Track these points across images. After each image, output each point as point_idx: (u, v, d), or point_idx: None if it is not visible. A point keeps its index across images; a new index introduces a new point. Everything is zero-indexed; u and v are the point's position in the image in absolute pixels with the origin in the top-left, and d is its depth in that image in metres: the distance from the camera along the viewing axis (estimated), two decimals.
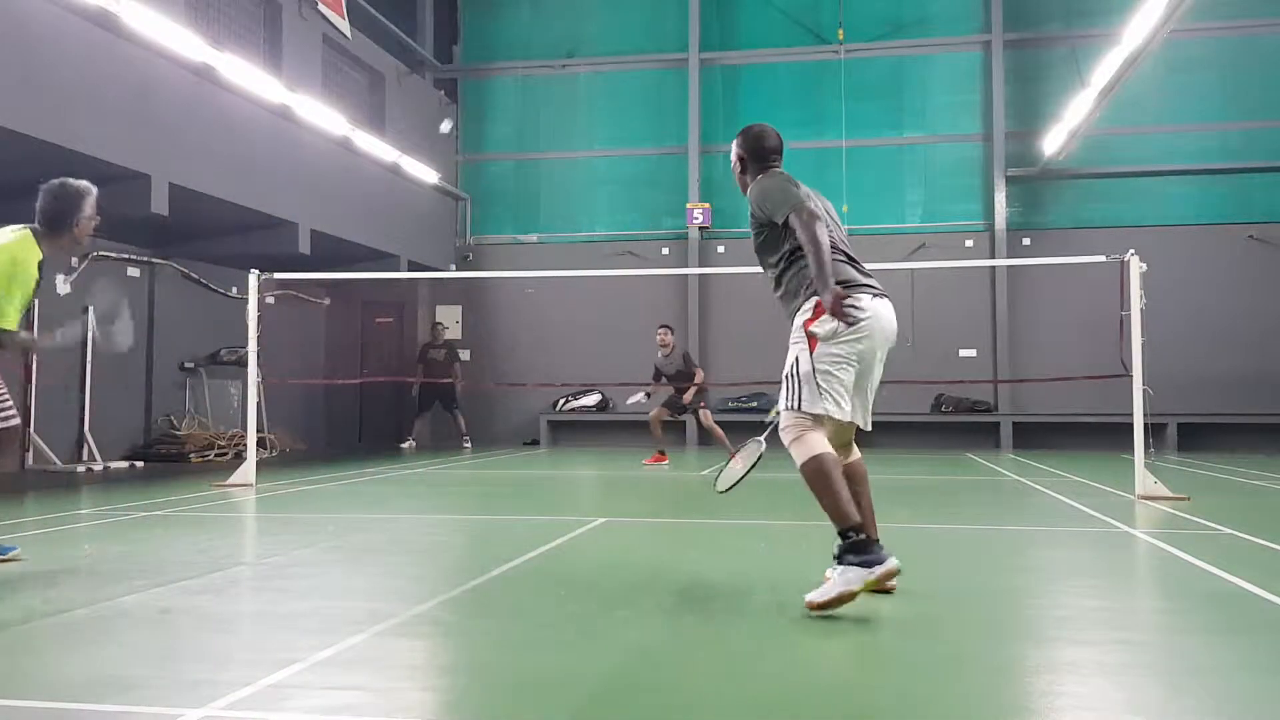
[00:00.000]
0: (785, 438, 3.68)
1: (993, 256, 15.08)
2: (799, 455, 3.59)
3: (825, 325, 3.59)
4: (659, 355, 11.20)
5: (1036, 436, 14.90)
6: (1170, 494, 7.23)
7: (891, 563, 3.47)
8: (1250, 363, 14.56)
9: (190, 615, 3.57)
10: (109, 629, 3.37)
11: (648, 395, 11.42)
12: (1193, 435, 14.19)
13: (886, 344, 3.77)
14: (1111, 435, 13.10)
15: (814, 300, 3.63)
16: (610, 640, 3.26)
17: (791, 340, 3.75)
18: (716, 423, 10.98)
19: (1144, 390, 7.35)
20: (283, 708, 2.51)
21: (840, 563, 3.49)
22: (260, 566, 4.72)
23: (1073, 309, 14.56)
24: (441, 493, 8.59)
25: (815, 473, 3.53)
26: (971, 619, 3.59)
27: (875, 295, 3.73)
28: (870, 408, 3.84)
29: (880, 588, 3.54)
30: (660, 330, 11.20)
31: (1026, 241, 15.24)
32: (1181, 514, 6.45)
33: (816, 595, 3.47)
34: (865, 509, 3.71)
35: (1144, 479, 7.31)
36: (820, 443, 3.59)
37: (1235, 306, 14.68)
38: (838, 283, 3.55)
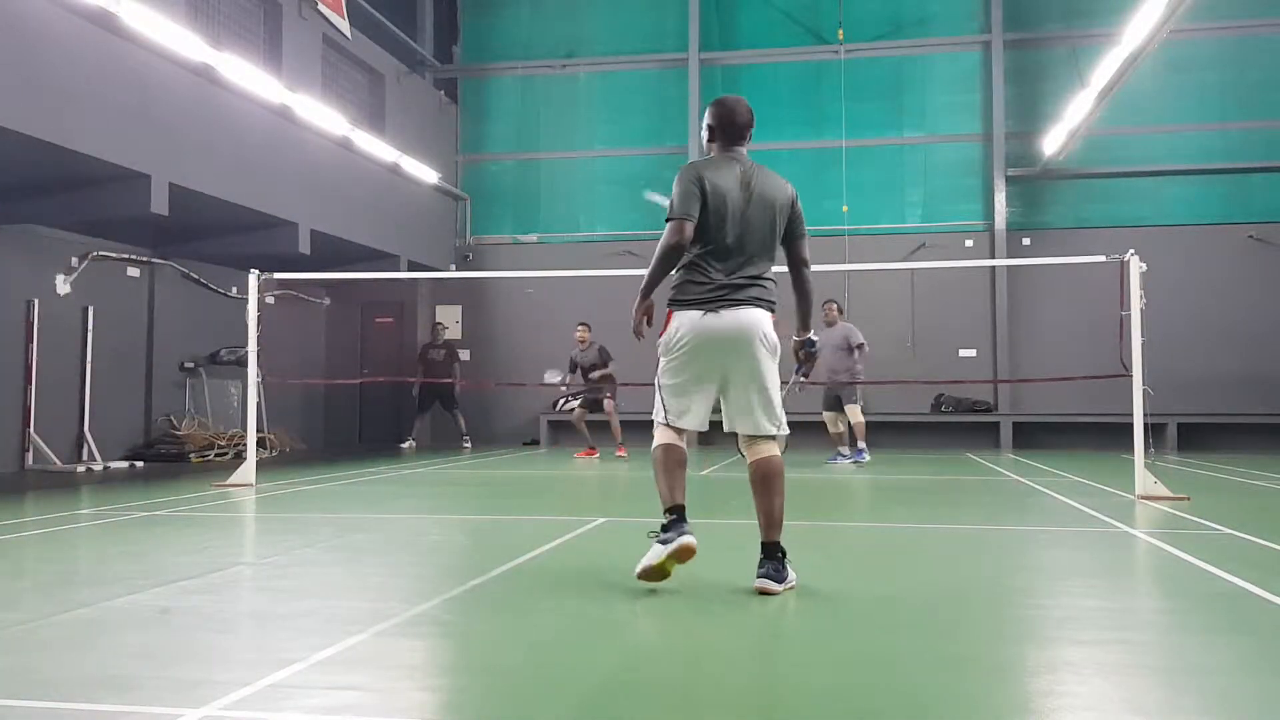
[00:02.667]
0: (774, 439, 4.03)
1: (993, 256, 15.08)
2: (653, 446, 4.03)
3: (661, 341, 4.00)
4: (576, 350, 12.70)
5: (1036, 436, 14.90)
6: (1170, 494, 7.23)
7: (684, 540, 3.75)
8: (1250, 363, 14.56)
9: (190, 615, 3.57)
10: (109, 629, 3.37)
11: (565, 383, 13.17)
12: (1193, 435, 14.18)
13: (726, 353, 3.90)
14: (1111, 435, 13.10)
15: (668, 310, 3.99)
16: (610, 640, 3.26)
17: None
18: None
19: (1144, 390, 7.35)
20: (283, 708, 2.51)
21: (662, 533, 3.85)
22: (260, 566, 4.72)
23: (1073, 309, 14.56)
24: (441, 493, 8.59)
25: (653, 461, 4.00)
26: (971, 619, 3.59)
27: (709, 311, 3.87)
28: (754, 410, 3.96)
29: (681, 560, 3.81)
30: (579, 327, 12.61)
31: (1026, 241, 15.24)
32: (1181, 514, 6.45)
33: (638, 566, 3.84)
34: (760, 509, 3.94)
35: (1144, 479, 7.31)
36: (660, 437, 4.01)
37: (1235, 306, 14.68)
38: (681, 298, 3.91)
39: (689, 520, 3.85)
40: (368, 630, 3.28)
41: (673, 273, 3.99)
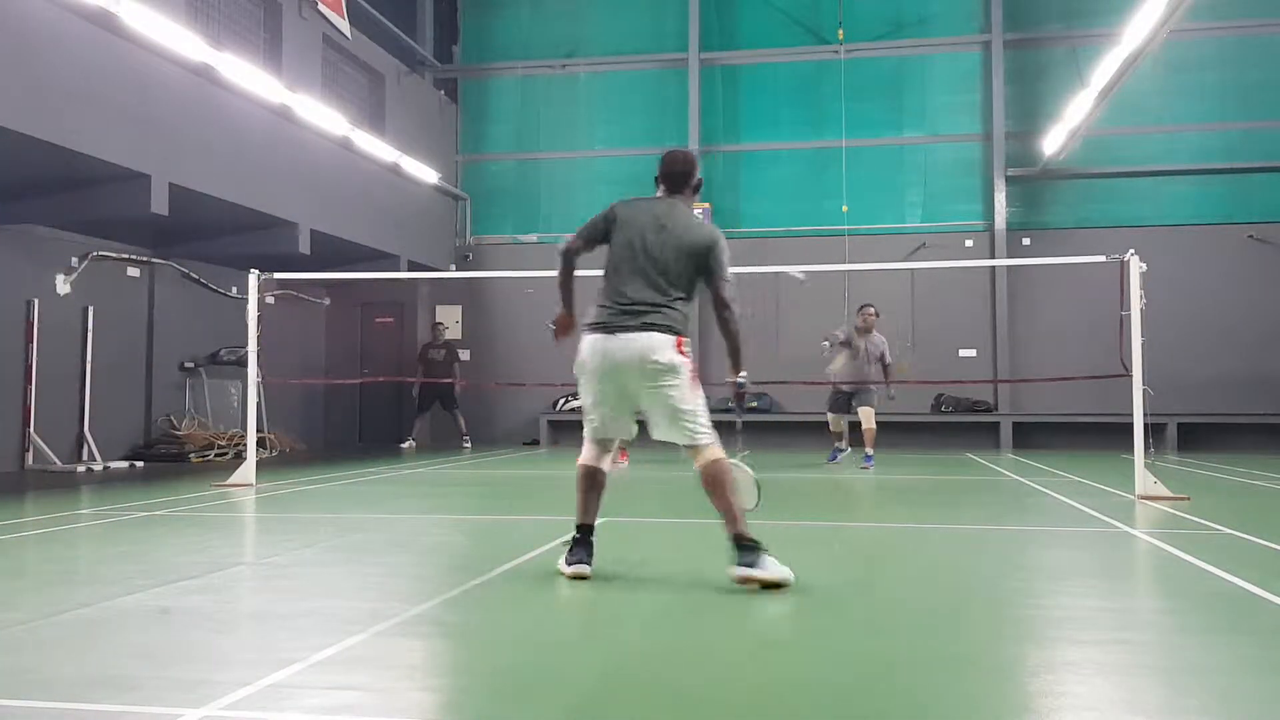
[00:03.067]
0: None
1: (993, 256, 15.07)
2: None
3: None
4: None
5: (1036, 436, 14.90)
6: (1170, 494, 7.22)
7: (578, 569, 4.22)
8: (1250, 363, 14.56)
9: (190, 615, 3.57)
10: (109, 629, 3.37)
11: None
12: (1193, 435, 14.18)
13: (621, 373, 4.19)
14: (1111, 435, 13.09)
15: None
16: (610, 640, 3.26)
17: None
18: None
19: (1144, 390, 7.35)
20: (283, 708, 2.51)
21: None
22: (260, 566, 4.72)
23: (1073, 309, 14.56)
24: (441, 493, 8.59)
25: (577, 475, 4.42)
26: (971, 619, 3.59)
27: (606, 333, 4.19)
28: (667, 426, 4.22)
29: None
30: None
31: (1026, 241, 15.24)
32: (1181, 514, 6.45)
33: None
34: (716, 509, 4.16)
35: (1144, 479, 7.31)
36: (583, 456, 4.42)
37: (1235, 306, 14.68)
38: (587, 322, 4.30)
39: (594, 538, 4.31)
40: (368, 630, 3.28)
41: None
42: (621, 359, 4.14)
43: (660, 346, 4.12)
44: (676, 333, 4.18)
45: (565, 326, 4.57)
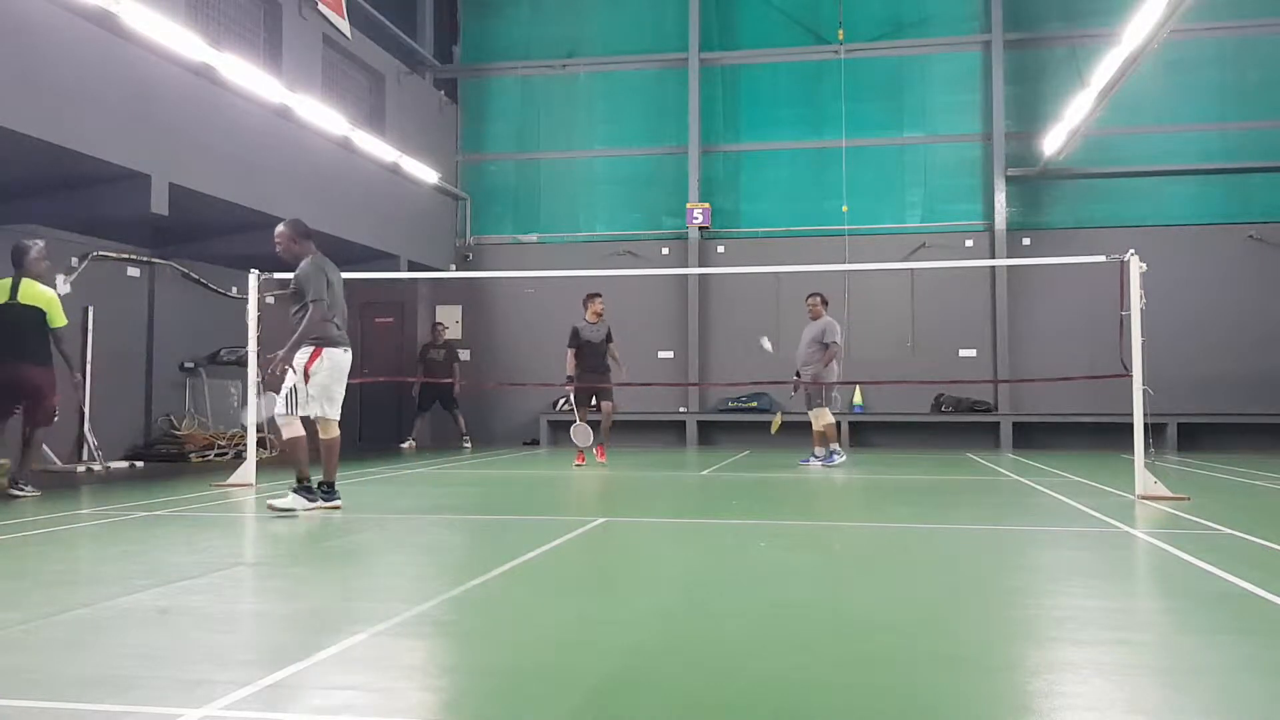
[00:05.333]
0: (284, 426, 6.60)
1: (993, 256, 15.08)
2: (286, 434, 6.63)
3: (318, 369, 6.64)
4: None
5: (1036, 436, 14.91)
6: (1170, 494, 7.22)
7: (329, 502, 6.65)
8: (1250, 363, 14.57)
9: (190, 615, 3.57)
10: (109, 629, 3.37)
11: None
12: (1193, 435, 14.19)
13: (344, 376, 6.86)
14: (1111, 435, 13.10)
15: (313, 349, 6.65)
16: (610, 640, 3.26)
17: (292, 369, 6.58)
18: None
19: (1144, 390, 7.35)
20: (283, 708, 2.51)
21: (294, 492, 6.51)
22: (260, 566, 4.72)
23: (1073, 309, 14.57)
24: (441, 493, 8.59)
25: (291, 444, 6.63)
26: (972, 619, 3.59)
27: (346, 347, 6.95)
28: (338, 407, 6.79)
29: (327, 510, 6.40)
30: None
31: (1026, 241, 15.24)
32: (1181, 514, 6.45)
33: (276, 501, 6.49)
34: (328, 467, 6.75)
35: (1144, 479, 7.31)
36: (297, 428, 6.61)
37: (1235, 306, 14.68)
38: (326, 340, 6.73)
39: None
40: (368, 630, 3.28)
41: (295, 314, 6.77)
42: (343, 368, 6.90)
43: None
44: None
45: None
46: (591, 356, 10.82)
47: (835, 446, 10.97)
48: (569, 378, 10.91)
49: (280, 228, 6.82)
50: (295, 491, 6.49)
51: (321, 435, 6.70)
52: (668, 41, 16.45)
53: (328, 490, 6.67)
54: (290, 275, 6.88)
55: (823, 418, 10.79)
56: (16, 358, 7.64)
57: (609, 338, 10.97)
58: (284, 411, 6.55)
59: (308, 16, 12.28)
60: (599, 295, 11.10)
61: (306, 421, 6.60)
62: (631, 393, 15.54)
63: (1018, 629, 3.48)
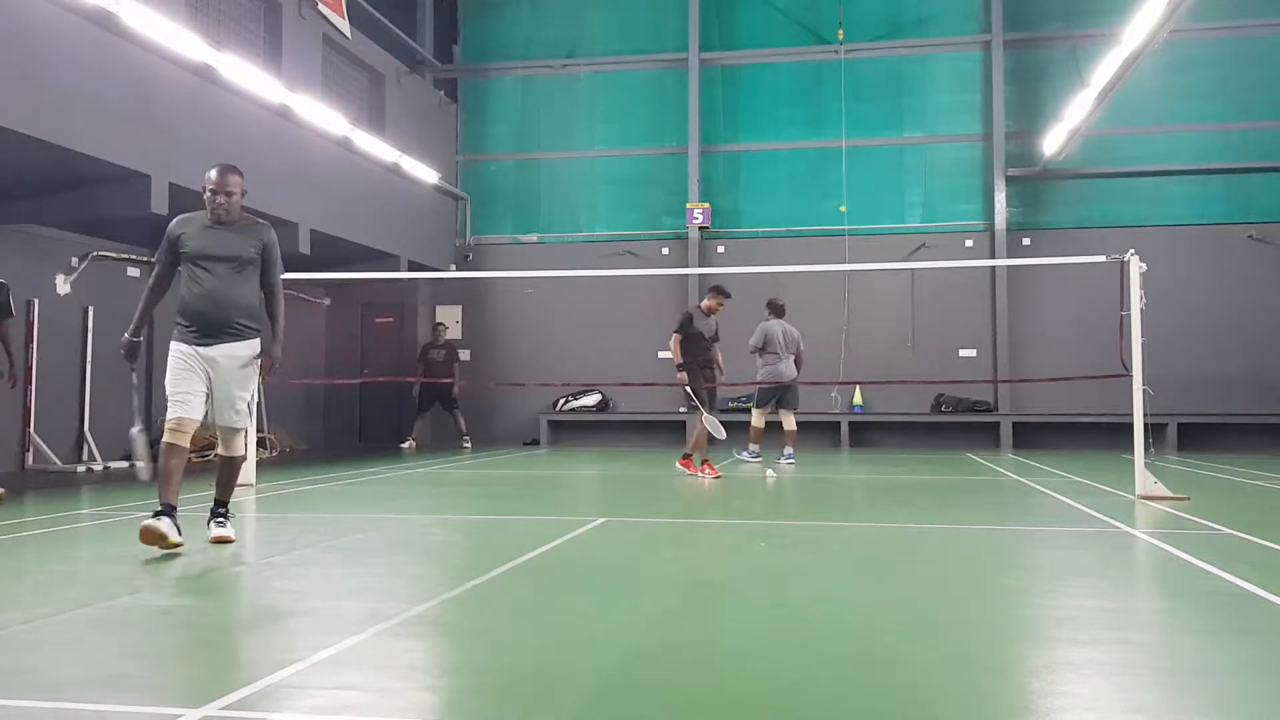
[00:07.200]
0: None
1: (993, 256, 15.08)
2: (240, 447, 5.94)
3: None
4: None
5: (1036, 436, 14.90)
6: (1170, 494, 7.23)
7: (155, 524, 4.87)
8: (1250, 363, 14.56)
9: (190, 615, 3.57)
10: (109, 629, 3.37)
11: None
12: (1193, 435, 14.18)
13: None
14: (1111, 435, 13.10)
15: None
16: (610, 640, 3.26)
17: (251, 370, 5.90)
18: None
19: (1144, 390, 7.35)
20: (283, 708, 2.51)
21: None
22: (260, 566, 4.72)
23: (1073, 309, 14.56)
24: (441, 493, 8.59)
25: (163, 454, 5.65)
26: (971, 619, 3.59)
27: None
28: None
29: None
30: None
31: (1026, 241, 15.24)
32: (1181, 514, 6.45)
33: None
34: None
35: (1144, 479, 7.31)
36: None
37: (1235, 306, 14.68)
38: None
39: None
40: (368, 630, 3.28)
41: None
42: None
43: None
44: None
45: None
46: (698, 350, 9.80)
47: (754, 448, 11.49)
48: (679, 366, 9.69)
49: (236, 176, 5.66)
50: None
51: (229, 451, 5.97)
52: (668, 41, 16.45)
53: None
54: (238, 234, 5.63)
55: (756, 418, 11.46)
56: None
57: (716, 336, 10.08)
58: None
59: (308, 16, 12.28)
60: (728, 295, 10.29)
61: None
62: (632, 393, 15.57)
63: (1018, 629, 3.47)
